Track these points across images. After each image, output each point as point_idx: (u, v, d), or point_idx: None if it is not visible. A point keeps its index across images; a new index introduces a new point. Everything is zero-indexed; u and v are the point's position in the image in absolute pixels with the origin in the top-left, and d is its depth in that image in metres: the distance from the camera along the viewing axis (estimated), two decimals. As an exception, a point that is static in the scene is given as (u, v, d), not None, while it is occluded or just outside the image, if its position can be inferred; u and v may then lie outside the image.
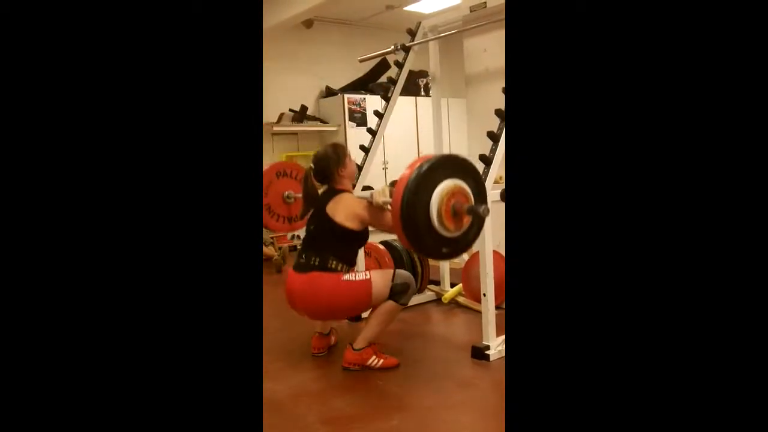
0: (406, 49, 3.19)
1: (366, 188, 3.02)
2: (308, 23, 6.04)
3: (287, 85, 6.08)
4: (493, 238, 2.33)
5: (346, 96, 6.10)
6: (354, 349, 2.28)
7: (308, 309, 2.30)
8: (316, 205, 2.41)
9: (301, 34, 6.14)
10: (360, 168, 2.97)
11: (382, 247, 3.20)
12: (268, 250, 4.91)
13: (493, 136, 2.36)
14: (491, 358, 2.31)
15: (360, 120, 6.12)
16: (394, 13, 6.02)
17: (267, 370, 2.29)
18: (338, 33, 6.56)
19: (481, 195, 2.05)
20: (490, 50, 3.12)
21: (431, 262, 3.29)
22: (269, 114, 5.82)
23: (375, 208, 2.26)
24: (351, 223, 2.28)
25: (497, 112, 2.38)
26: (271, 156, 5.96)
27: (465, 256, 3.14)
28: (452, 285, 3.37)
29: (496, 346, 2.34)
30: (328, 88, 6.39)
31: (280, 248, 4.89)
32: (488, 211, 2.00)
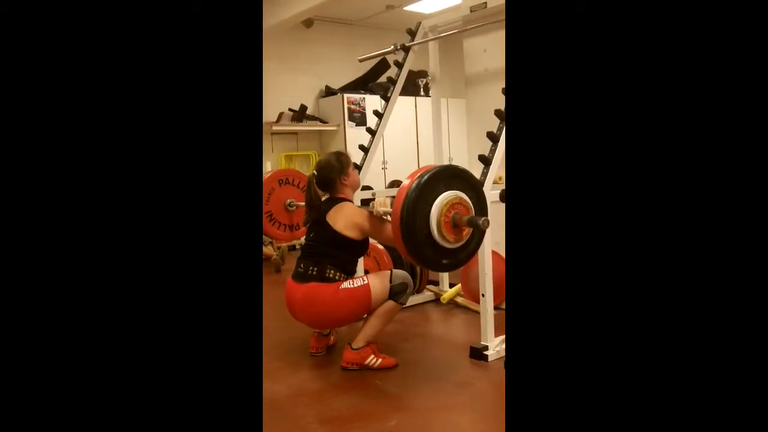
0: (406, 49, 3.19)
1: (365, 188, 3.02)
2: (308, 23, 6.04)
3: (287, 84, 6.09)
4: (492, 238, 2.33)
5: (345, 96, 6.11)
6: (353, 349, 2.28)
7: (309, 320, 2.32)
8: (316, 213, 2.41)
9: (301, 33, 6.15)
10: (359, 168, 2.97)
11: (380, 246, 3.20)
12: (266, 250, 4.90)
13: (493, 137, 2.36)
14: (490, 359, 2.31)
15: (359, 120, 6.12)
16: (394, 13, 6.03)
17: (266, 370, 2.28)
18: (338, 33, 6.57)
19: (481, 207, 2.05)
20: (489, 51, 3.12)
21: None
22: (269, 113, 5.83)
23: (376, 219, 2.25)
24: (351, 233, 2.28)
25: (497, 112, 2.38)
26: (271, 155, 5.96)
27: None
28: (451, 285, 3.37)
29: (495, 346, 2.34)
30: (327, 87, 6.39)
31: (278, 248, 4.89)
32: (488, 223, 1.99)
